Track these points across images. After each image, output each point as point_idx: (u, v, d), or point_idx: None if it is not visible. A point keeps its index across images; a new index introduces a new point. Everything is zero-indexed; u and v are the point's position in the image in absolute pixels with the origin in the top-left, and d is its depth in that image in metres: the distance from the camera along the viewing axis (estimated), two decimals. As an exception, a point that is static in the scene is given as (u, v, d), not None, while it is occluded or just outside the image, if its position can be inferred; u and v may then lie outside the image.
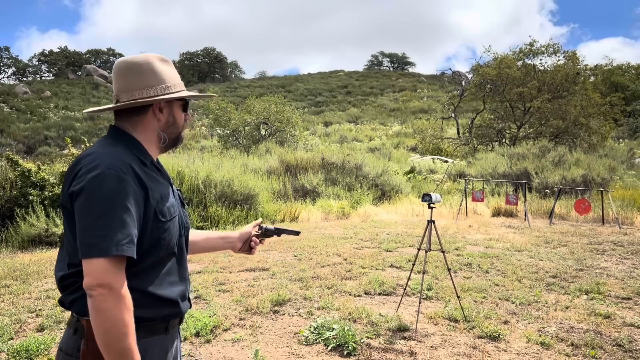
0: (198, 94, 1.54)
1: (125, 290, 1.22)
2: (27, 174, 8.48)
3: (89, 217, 1.20)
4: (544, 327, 4.00)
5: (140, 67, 1.39)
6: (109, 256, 1.18)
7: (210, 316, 4.04)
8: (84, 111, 1.83)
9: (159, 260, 1.36)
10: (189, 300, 1.49)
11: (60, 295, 1.37)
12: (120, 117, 1.42)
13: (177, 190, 1.53)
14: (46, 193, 8.37)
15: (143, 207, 1.30)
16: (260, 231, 1.86)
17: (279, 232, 1.90)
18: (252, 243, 1.82)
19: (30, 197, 8.16)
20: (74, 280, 1.30)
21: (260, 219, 1.95)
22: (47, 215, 8.06)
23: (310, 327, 3.85)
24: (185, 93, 1.48)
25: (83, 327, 1.28)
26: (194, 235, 1.71)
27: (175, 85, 1.44)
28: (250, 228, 1.84)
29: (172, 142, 1.49)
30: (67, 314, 4.22)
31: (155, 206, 1.33)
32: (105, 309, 1.17)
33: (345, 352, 3.45)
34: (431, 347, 3.59)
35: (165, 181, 1.45)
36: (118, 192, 1.22)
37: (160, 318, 1.36)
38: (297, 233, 2.01)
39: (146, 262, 1.33)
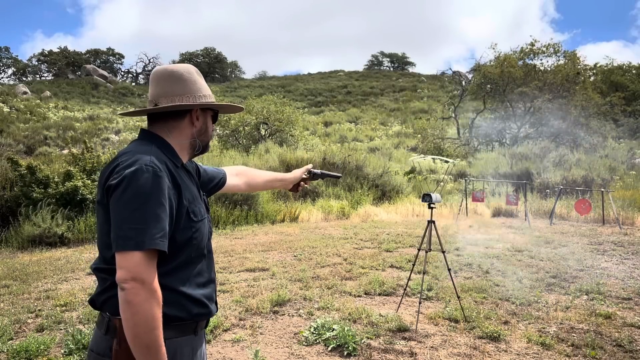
0: (231, 104, 1.63)
1: (157, 285, 1.24)
2: (33, 169, 8.49)
3: (125, 210, 1.24)
4: (544, 328, 3.99)
5: (181, 76, 1.47)
6: (143, 250, 1.21)
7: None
8: (118, 113, 1.91)
9: (190, 260, 1.40)
10: (215, 303, 1.51)
11: (91, 295, 1.39)
12: (156, 122, 1.48)
13: (203, 195, 1.57)
14: (50, 191, 8.35)
15: (176, 205, 1.34)
16: (309, 175, 2.13)
17: (323, 175, 2.18)
18: (300, 186, 2.11)
19: (35, 195, 8.15)
20: (106, 277, 1.33)
21: (310, 165, 2.19)
22: (51, 217, 8.04)
23: (310, 328, 3.85)
24: (220, 103, 1.57)
25: (115, 327, 1.29)
26: (255, 175, 1.98)
27: (210, 95, 1.52)
28: (301, 173, 2.10)
29: (202, 149, 1.56)
30: (67, 315, 4.22)
31: (187, 205, 1.38)
32: (137, 303, 1.19)
33: (345, 353, 3.44)
34: (431, 347, 3.58)
35: (194, 184, 1.50)
36: (153, 188, 1.26)
37: (189, 318, 1.39)
38: (338, 177, 2.26)
39: (178, 261, 1.36)
